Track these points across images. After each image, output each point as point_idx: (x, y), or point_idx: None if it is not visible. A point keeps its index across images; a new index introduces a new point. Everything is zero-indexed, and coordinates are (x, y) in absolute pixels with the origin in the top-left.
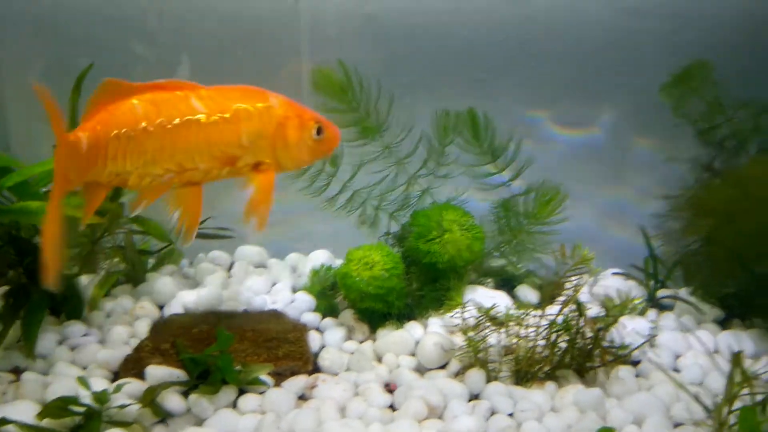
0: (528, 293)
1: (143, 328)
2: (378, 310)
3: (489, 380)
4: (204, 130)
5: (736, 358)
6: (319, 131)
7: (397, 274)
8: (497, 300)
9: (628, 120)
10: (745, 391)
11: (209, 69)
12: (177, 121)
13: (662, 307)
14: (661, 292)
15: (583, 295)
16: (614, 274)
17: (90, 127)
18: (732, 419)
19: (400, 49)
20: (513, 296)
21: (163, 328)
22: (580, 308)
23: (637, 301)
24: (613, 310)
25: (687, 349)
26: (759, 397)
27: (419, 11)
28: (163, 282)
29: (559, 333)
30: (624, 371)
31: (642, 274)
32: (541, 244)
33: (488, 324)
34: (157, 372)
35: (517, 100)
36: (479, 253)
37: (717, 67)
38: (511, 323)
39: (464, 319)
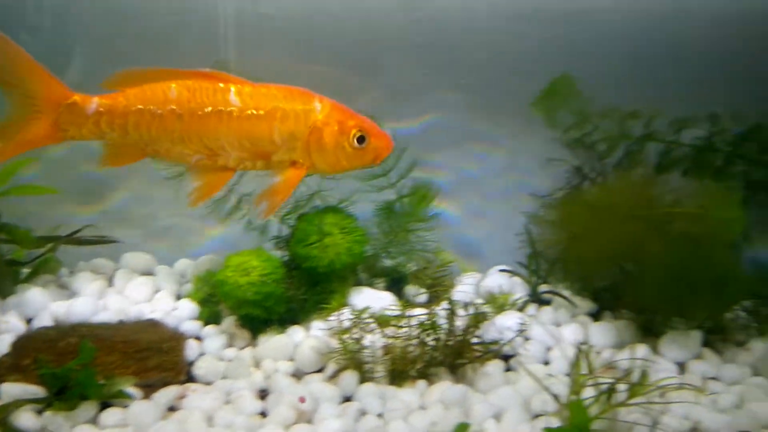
0: (416, 292)
1: (5, 344)
2: (257, 316)
3: (363, 381)
4: (235, 122)
5: (582, 350)
6: (361, 139)
7: (275, 279)
8: (384, 300)
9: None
10: (596, 380)
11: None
12: (209, 109)
13: (543, 302)
14: (542, 288)
15: (469, 293)
16: (501, 271)
17: (111, 96)
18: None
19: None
20: (401, 296)
21: (27, 342)
22: (452, 306)
23: (515, 297)
24: (491, 306)
25: (557, 342)
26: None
27: (316, 12)
28: (32, 293)
29: (429, 331)
30: (492, 366)
31: (526, 271)
32: (424, 243)
33: (366, 325)
34: (12, 389)
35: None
36: (359, 256)
37: (593, 74)
38: (389, 323)
39: (341, 322)
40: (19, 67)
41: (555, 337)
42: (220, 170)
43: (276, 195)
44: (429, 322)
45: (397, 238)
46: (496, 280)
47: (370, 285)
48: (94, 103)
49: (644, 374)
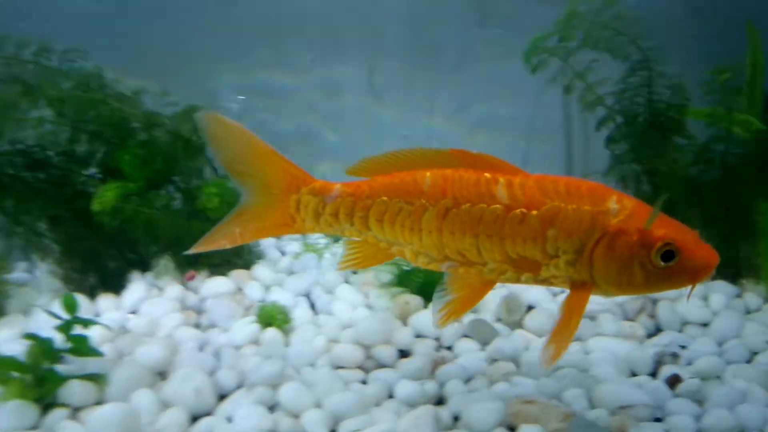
0: None
1: None
2: None
3: None
4: (498, 223)
5: None
6: (668, 256)
7: None
8: None
9: None
10: None
11: None
12: (467, 205)
13: None
14: None
15: None
16: None
17: (355, 184)
18: None
19: None
20: None
21: None
22: None
23: None
24: None
25: None
26: None
27: None
28: None
29: None
30: None
31: None
32: None
33: None
34: None
35: None
36: None
37: None
38: None
39: None
40: (256, 155)
41: None
42: (477, 282)
43: (563, 333)
44: None
45: None
46: None
47: None
48: (336, 189)
49: None
